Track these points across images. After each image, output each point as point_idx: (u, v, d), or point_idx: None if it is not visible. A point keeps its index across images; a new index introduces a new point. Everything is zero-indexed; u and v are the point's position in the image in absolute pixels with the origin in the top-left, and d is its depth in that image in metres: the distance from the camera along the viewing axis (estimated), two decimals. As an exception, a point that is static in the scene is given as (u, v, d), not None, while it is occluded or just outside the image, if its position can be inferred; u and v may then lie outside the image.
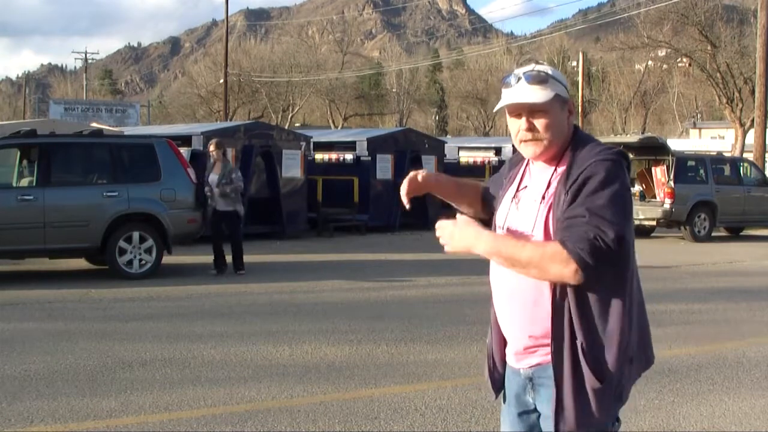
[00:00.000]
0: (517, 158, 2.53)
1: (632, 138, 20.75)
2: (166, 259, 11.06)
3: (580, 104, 43.59)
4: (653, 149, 18.38)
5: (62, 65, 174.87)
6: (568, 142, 2.34)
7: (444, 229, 2.32)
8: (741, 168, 19.66)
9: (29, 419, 4.79)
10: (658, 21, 35.75)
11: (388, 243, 16.04)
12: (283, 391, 5.47)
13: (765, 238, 18.92)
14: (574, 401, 2.22)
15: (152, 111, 61.33)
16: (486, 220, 2.60)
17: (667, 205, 17.19)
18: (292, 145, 16.75)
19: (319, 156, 18.85)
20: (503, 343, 2.48)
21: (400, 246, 15.49)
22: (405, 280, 11.06)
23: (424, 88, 71.76)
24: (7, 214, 10.02)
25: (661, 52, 44.73)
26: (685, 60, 40.57)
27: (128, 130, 18.74)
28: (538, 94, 2.29)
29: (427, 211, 18.16)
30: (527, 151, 2.36)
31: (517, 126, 2.35)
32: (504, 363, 2.49)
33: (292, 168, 16.57)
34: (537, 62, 2.39)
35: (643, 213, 17.28)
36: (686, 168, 17.96)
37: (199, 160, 13.82)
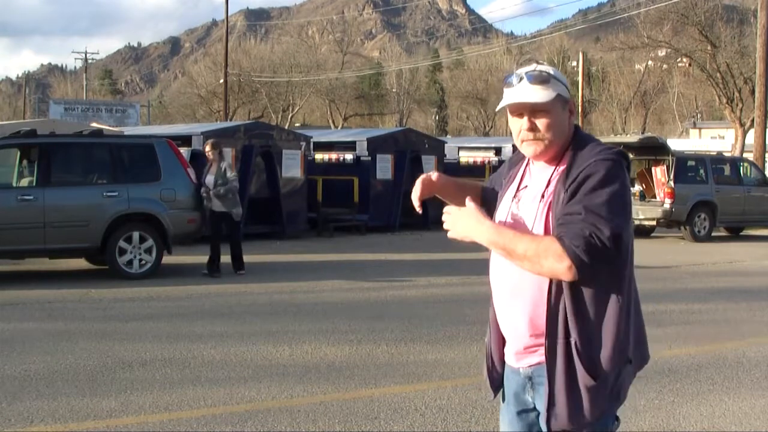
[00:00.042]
0: (517, 158, 2.54)
1: (632, 138, 20.75)
2: (166, 259, 11.06)
3: (580, 104, 43.59)
4: (653, 149, 18.38)
5: (62, 65, 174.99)
6: (569, 142, 2.35)
7: (450, 214, 2.35)
8: (741, 168, 19.67)
9: (29, 419, 4.79)
10: (658, 21, 35.75)
11: (388, 243, 16.04)
12: (283, 391, 5.47)
13: (765, 238, 18.92)
14: (566, 398, 2.23)
15: (152, 111, 61.32)
16: None
17: (667, 205, 17.19)
18: (292, 145, 16.75)
19: (319, 156, 18.85)
20: (502, 342, 2.49)
21: (400, 246, 15.49)
22: (405, 280, 11.06)
23: (424, 88, 71.77)
24: (7, 214, 10.02)
25: (661, 52, 44.73)
26: (685, 60, 40.57)
27: (128, 130, 18.74)
28: (540, 94, 2.30)
29: (427, 211, 18.15)
30: (528, 150, 2.37)
31: (518, 125, 2.36)
32: (503, 362, 2.50)
33: (292, 168, 16.56)
34: (538, 62, 2.40)
35: (643, 213, 17.29)
36: (686, 168, 17.97)
37: (199, 160, 13.80)
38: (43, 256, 11.11)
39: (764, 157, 23.99)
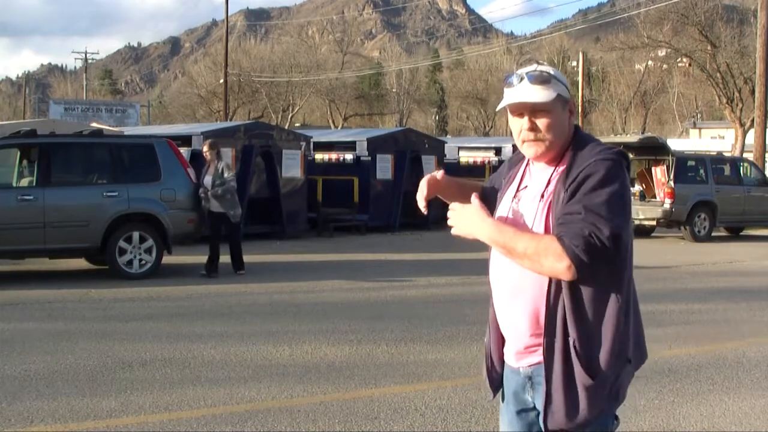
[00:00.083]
0: (517, 158, 2.54)
1: (632, 138, 20.75)
2: (166, 259, 11.06)
3: (580, 104, 43.59)
4: (653, 149, 18.39)
5: (62, 65, 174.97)
6: (569, 142, 2.36)
7: (454, 211, 2.36)
8: (741, 168, 19.66)
9: (29, 419, 4.79)
10: (658, 21, 35.75)
11: (388, 243, 16.04)
12: (283, 391, 5.47)
13: (765, 238, 18.92)
14: (563, 397, 2.24)
15: (152, 111, 61.32)
16: None
17: (667, 205, 17.19)
18: (292, 145, 16.75)
19: (319, 156, 18.85)
20: (501, 342, 2.49)
21: (400, 246, 15.49)
22: (405, 280, 11.06)
23: (424, 88, 71.76)
24: (7, 214, 10.02)
25: (661, 52, 44.72)
26: (685, 60, 40.56)
27: (128, 130, 18.73)
28: (541, 94, 2.30)
29: (427, 212, 18.17)
30: (529, 151, 2.37)
31: (519, 125, 2.36)
32: (502, 362, 2.51)
33: (292, 168, 16.56)
34: (538, 62, 2.40)
35: (643, 213, 17.29)
36: (686, 168, 17.96)
37: (198, 160, 13.77)
38: (43, 256, 11.11)
39: (764, 157, 23.98)
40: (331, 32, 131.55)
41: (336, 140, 19.87)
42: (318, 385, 5.64)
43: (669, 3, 33.75)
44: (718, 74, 33.13)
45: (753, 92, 27.21)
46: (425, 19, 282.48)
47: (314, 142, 17.99)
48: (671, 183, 17.19)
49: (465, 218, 2.32)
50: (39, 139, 10.76)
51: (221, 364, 6.17)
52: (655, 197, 17.75)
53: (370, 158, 18.05)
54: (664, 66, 52.45)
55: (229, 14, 43.36)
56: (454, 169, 19.75)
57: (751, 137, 28.42)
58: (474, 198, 2.34)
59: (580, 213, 2.16)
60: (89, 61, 69.67)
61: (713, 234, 18.05)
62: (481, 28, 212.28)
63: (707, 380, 5.91)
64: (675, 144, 31.93)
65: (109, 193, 10.59)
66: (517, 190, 2.43)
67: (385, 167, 18.19)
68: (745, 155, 26.64)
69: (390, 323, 7.81)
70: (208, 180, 10.78)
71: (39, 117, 46.58)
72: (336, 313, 8.40)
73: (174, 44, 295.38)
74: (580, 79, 47.01)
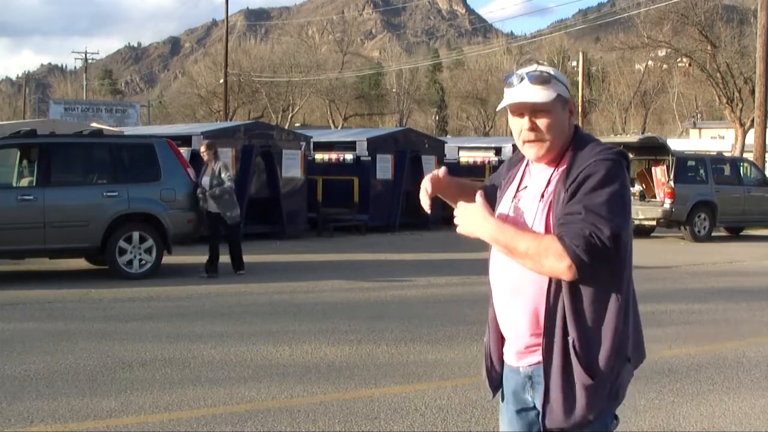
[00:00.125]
0: (517, 158, 2.54)
1: (632, 138, 20.76)
2: (166, 259, 11.06)
3: (580, 104, 43.58)
4: (653, 149, 18.39)
5: (62, 65, 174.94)
6: (569, 143, 2.36)
7: (460, 209, 2.37)
8: (741, 168, 19.67)
9: (29, 419, 4.79)
10: (658, 21, 35.75)
11: (388, 243, 16.04)
12: (283, 391, 5.47)
13: (765, 238, 18.93)
14: (562, 396, 2.24)
15: (152, 111, 61.32)
16: None
17: (667, 205, 17.19)
18: (292, 145, 16.76)
19: (319, 156, 18.85)
20: (501, 341, 2.49)
21: (400, 246, 15.49)
22: (405, 280, 11.06)
23: (424, 88, 71.76)
24: (7, 214, 10.02)
25: (661, 52, 44.72)
26: (685, 60, 40.56)
27: (128, 130, 18.74)
28: (541, 94, 2.31)
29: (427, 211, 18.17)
30: (530, 153, 2.38)
31: (519, 126, 2.36)
32: (501, 362, 2.51)
33: (292, 168, 16.57)
34: (538, 62, 2.41)
35: (643, 213, 17.29)
36: (686, 168, 17.97)
37: (199, 160, 13.78)
38: (43, 256, 11.11)
39: (764, 157, 23.98)
40: (331, 32, 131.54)
41: (336, 140, 19.88)
42: (318, 385, 5.64)
43: (669, 3, 33.75)
44: (718, 74, 33.13)
45: (753, 92, 27.21)
46: (425, 19, 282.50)
47: (314, 142, 17.99)
48: (671, 183, 17.19)
49: (468, 217, 2.33)
50: (39, 139, 10.76)
51: (221, 364, 6.17)
52: (655, 197, 17.75)
53: (370, 158, 18.06)
54: (664, 66, 52.45)
55: (229, 14, 43.38)
56: (454, 169, 19.70)
57: (751, 137, 28.42)
58: (478, 196, 2.35)
59: (580, 213, 2.17)
60: (89, 61, 69.73)
61: (713, 234, 18.05)
62: (481, 28, 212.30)
63: (707, 380, 5.91)
64: (675, 144, 31.93)
65: (109, 193, 10.59)
66: (517, 190, 2.43)
67: (385, 167, 18.19)
68: (745, 155, 26.64)
69: (390, 323, 7.81)
70: (205, 180, 10.77)
71: (39, 117, 46.58)
72: (336, 313, 8.40)
73: (174, 44, 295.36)
74: (580, 79, 47.01)
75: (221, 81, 45.54)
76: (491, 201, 2.60)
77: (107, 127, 16.78)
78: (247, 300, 9.24)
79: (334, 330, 7.47)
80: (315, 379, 5.77)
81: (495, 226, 2.27)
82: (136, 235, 10.59)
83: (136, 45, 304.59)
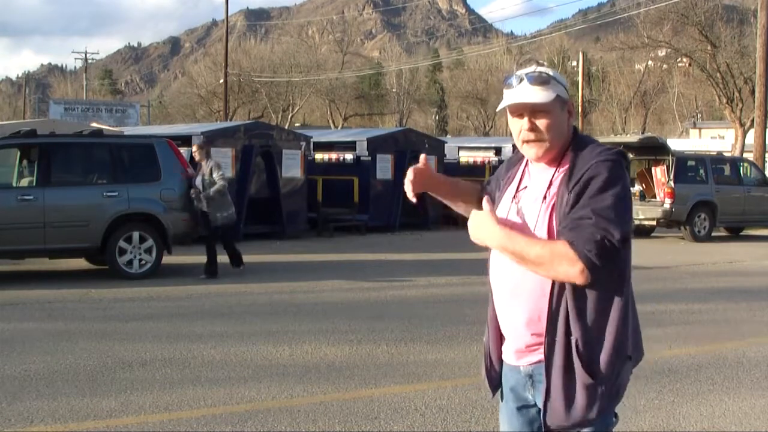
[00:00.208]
0: (516, 158, 2.55)
1: (632, 138, 20.76)
2: (166, 259, 11.06)
3: (580, 104, 43.58)
4: (653, 149, 18.39)
5: (62, 65, 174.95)
6: (569, 143, 2.37)
7: (471, 217, 2.37)
8: (741, 168, 19.67)
9: (29, 419, 4.79)
10: (658, 21, 35.74)
11: (388, 243, 16.04)
12: (283, 391, 5.47)
13: (765, 238, 18.93)
14: (563, 396, 2.26)
15: (152, 111, 61.31)
16: None
17: (667, 205, 17.19)
18: (292, 145, 16.76)
19: (319, 156, 18.85)
20: (500, 340, 2.50)
21: (400, 246, 15.49)
22: (405, 280, 11.06)
23: (424, 88, 71.76)
24: (7, 214, 10.02)
25: (661, 52, 44.72)
26: (685, 60, 40.56)
27: (128, 130, 18.74)
28: (540, 95, 2.32)
29: (427, 212, 18.19)
30: (530, 152, 2.38)
31: (518, 126, 2.37)
32: (501, 361, 2.52)
33: (292, 168, 16.57)
34: (538, 63, 2.41)
35: (643, 213, 17.29)
36: (686, 168, 17.97)
37: (199, 160, 13.80)
38: (43, 256, 11.11)
39: (764, 157, 23.99)
40: (331, 32, 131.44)
41: (336, 140, 19.88)
42: (318, 385, 5.64)
43: (669, 3, 33.75)
44: (718, 74, 33.13)
45: (753, 92, 27.21)
46: (425, 19, 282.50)
47: (314, 142, 17.99)
48: (671, 183, 17.19)
49: (477, 225, 2.33)
50: (39, 139, 10.76)
51: (221, 364, 6.17)
52: (655, 197, 17.75)
53: (370, 158, 18.06)
54: (664, 66, 52.46)
55: (229, 14, 43.37)
56: (454, 169, 19.75)
57: (751, 137, 28.42)
58: (485, 203, 2.35)
59: (590, 218, 2.18)
60: (89, 61, 69.73)
61: (713, 234, 18.05)
62: (481, 28, 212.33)
63: (707, 380, 5.91)
64: (675, 144, 31.93)
65: (109, 193, 10.59)
66: (517, 190, 2.44)
67: (385, 167, 18.19)
68: (745, 155, 26.64)
69: (390, 323, 7.81)
70: (198, 181, 10.77)
71: (39, 117, 46.58)
72: (336, 313, 8.40)
73: (174, 44, 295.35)
74: (580, 79, 46.99)
75: (221, 81, 45.53)
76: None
77: (107, 127, 16.79)
78: (247, 300, 9.24)
79: (334, 330, 7.47)
80: (315, 379, 5.77)
81: (503, 234, 2.27)
82: (136, 235, 10.59)
83: (136, 45, 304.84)
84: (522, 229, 2.32)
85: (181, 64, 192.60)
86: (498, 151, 20.53)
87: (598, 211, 2.18)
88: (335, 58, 66.06)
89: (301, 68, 56.74)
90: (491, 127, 61.77)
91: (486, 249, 2.41)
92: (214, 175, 10.63)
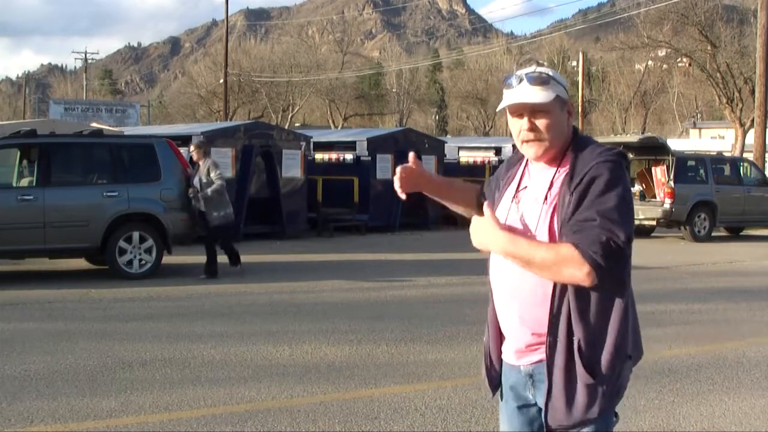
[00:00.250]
0: (515, 158, 2.55)
1: (632, 138, 20.75)
2: (166, 259, 11.06)
3: (580, 104, 43.58)
4: (653, 149, 18.39)
5: (62, 65, 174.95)
6: (568, 143, 2.38)
7: (473, 223, 2.37)
8: (741, 168, 19.67)
9: (29, 419, 4.79)
10: (658, 21, 35.74)
11: (388, 243, 16.04)
12: (283, 391, 5.47)
13: (765, 238, 18.93)
14: (565, 396, 2.26)
15: (152, 111, 61.33)
16: None
17: (667, 205, 17.19)
18: (292, 145, 16.76)
19: (319, 156, 18.85)
20: (500, 340, 2.51)
21: (400, 246, 15.49)
22: (405, 280, 11.06)
23: (424, 88, 71.76)
24: (7, 214, 10.02)
25: (661, 52, 44.72)
26: (685, 60, 40.57)
27: (128, 130, 18.74)
28: (540, 95, 2.32)
29: (427, 211, 18.19)
30: (529, 152, 2.39)
31: (518, 126, 2.38)
32: (501, 360, 2.52)
33: (292, 168, 16.57)
34: (538, 63, 2.42)
35: (643, 213, 17.28)
36: (686, 168, 17.97)
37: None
38: (43, 256, 11.11)
39: (764, 157, 23.99)
40: (331, 32, 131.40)
41: (336, 140, 19.88)
42: (318, 385, 5.64)
43: (669, 3, 33.75)
44: (718, 74, 33.13)
45: (753, 92, 27.21)
46: (425, 19, 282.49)
47: (314, 142, 17.99)
48: (671, 183, 17.19)
49: (479, 230, 2.33)
50: (39, 139, 10.76)
51: (221, 364, 6.17)
52: (655, 197, 17.75)
53: (370, 158, 18.06)
54: (664, 66, 52.47)
55: (229, 14, 43.38)
56: (454, 169, 19.76)
57: (751, 137, 28.42)
58: (486, 208, 2.34)
59: (594, 219, 2.18)
60: (89, 61, 69.75)
61: (713, 234, 18.05)
62: (481, 28, 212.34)
63: (707, 380, 5.91)
64: (675, 144, 31.93)
65: (109, 193, 10.59)
66: (517, 191, 2.44)
67: (385, 167, 18.18)
68: (745, 155, 26.64)
69: (390, 323, 7.81)
70: (196, 180, 10.77)
71: (39, 117, 46.58)
72: (336, 313, 8.40)
73: (174, 44, 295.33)
74: (580, 79, 46.98)
75: (221, 81, 45.53)
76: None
77: (107, 127, 16.79)
78: (247, 300, 9.24)
79: (334, 330, 7.47)
80: (315, 379, 5.77)
81: (507, 239, 2.27)
82: (136, 235, 10.59)
83: (136, 45, 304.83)
84: (524, 233, 2.32)
85: (181, 64, 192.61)
86: (498, 151, 20.52)
87: (603, 212, 2.18)
88: (335, 58, 66.06)
89: (301, 68, 56.74)
90: (491, 127, 61.76)
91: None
92: (212, 175, 10.63)
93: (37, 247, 10.35)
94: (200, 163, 10.84)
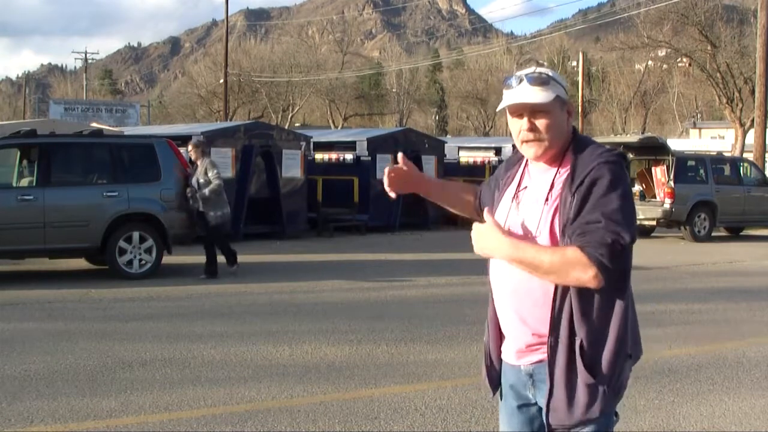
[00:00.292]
0: (515, 159, 2.55)
1: (632, 138, 20.75)
2: (166, 259, 11.06)
3: (580, 104, 43.56)
4: (653, 149, 18.39)
5: (62, 65, 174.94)
6: (568, 144, 2.38)
7: (474, 231, 2.36)
8: (741, 168, 19.67)
9: (29, 419, 4.79)
10: (658, 21, 35.75)
11: (388, 243, 16.04)
12: (283, 391, 5.47)
13: (765, 238, 18.93)
14: (567, 395, 2.27)
15: (152, 111, 61.33)
16: None
17: (667, 205, 17.19)
18: (292, 145, 16.76)
19: (319, 156, 18.85)
20: (500, 340, 2.51)
21: (400, 246, 15.49)
22: (405, 280, 11.06)
23: (424, 88, 71.75)
24: (7, 214, 10.02)
25: (661, 52, 44.73)
26: (685, 60, 40.57)
27: (128, 130, 18.75)
28: (540, 95, 2.32)
29: (427, 212, 18.19)
30: (529, 152, 2.39)
31: (518, 126, 2.38)
32: (501, 360, 2.53)
33: (292, 168, 16.57)
34: (538, 63, 2.43)
35: (643, 213, 17.26)
36: (686, 168, 17.97)
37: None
38: (43, 256, 11.11)
39: (764, 157, 23.99)
40: (331, 32, 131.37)
41: (336, 140, 19.88)
42: (318, 385, 5.64)
43: (669, 3, 33.75)
44: (718, 74, 33.13)
45: (753, 92, 27.21)
46: (425, 19, 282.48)
47: (314, 142, 17.99)
48: (671, 183, 17.19)
49: (482, 237, 2.32)
50: (39, 139, 10.76)
51: (221, 364, 6.17)
52: (655, 197, 17.75)
53: (370, 158, 18.06)
54: (664, 66, 52.47)
55: (229, 14, 43.36)
56: (454, 169, 19.77)
57: (751, 137, 28.42)
58: (487, 214, 2.34)
59: (599, 222, 2.18)
60: (89, 61, 69.73)
61: (713, 234, 18.05)
62: (481, 28, 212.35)
63: (707, 380, 5.91)
64: (675, 144, 31.94)
65: (109, 193, 10.59)
66: (517, 191, 2.44)
67: (385, 167, 18.13)
68: (745, 155, 26.64)
69: (390, 323, 7.81)
70: (194, 180, 10.76)
71: (39, 117, 46.58)
72: (336, 313, 8.40)
73: (174, 44, 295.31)
74: (580, 79, 46.96)
75: (221, 81, 45.53)
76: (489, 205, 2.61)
77: (107, 127, 16.79)
78: (247, 300, 9.24)
79: (334, 330, 7.47)
80: (315, 379, 5.77)
81: (511, 245, 2.27)
82: (136, 235, 10.59)
83: (136, 45, 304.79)
84: (526, 237, 2.32)
85: (181, 64, 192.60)
86: (498, 151, 20.52)
87: (607, 214, 2.19)
88: (335, 58, 66.06)
89: (301, 68, 56.74)
90: (491, 127, 61.76)
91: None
92: (209, 174, 10.63)
93: (37, 247, 10.35)
94: (198, 162, 10.84)
